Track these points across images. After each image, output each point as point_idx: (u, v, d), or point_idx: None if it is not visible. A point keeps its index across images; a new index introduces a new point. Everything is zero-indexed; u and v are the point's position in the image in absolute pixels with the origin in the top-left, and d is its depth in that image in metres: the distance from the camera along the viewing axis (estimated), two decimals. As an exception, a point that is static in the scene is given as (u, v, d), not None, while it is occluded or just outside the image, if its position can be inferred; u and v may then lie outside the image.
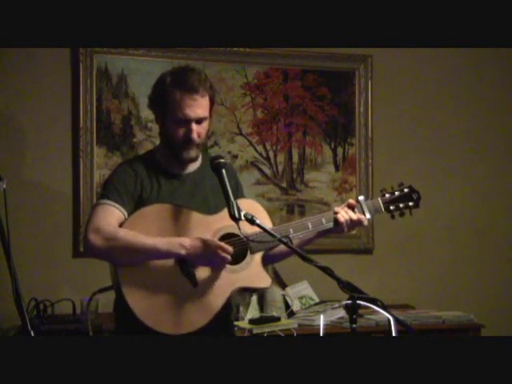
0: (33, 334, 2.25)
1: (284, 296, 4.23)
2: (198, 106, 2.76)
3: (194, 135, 2.76)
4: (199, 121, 2.77)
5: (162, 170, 2.84)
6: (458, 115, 4.78)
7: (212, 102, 2.83)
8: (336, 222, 2.86)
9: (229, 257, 2.71)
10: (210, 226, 2.77)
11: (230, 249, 2.71)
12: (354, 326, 2.30)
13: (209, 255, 2.69)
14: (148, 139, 4.19)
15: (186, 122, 2.76)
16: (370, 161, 4.59)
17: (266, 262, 2.87)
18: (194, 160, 2.84)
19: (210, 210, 2.81)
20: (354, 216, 2.86)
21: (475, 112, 4.81)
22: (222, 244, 2.70)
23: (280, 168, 4.47)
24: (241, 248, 2.79)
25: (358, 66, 4.58)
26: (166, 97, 2.78)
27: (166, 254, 2.69)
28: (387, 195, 2.97)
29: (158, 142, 2.97)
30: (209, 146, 4.22)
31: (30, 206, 4.03)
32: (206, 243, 2.69)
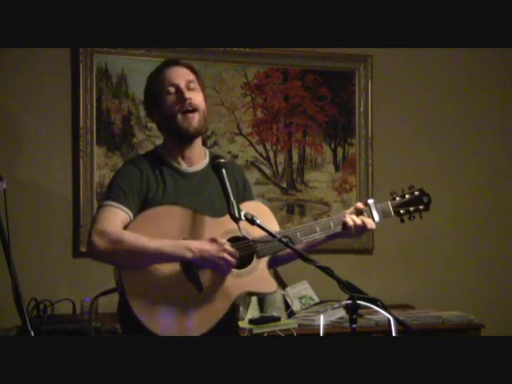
0: (33, 334, 2.25)
1: (284, 296, 4.23)
2: (182, 73, 2.84)
3: (187, 95, 2.79)
4: (188, 86, 2.82)
5: (167, 167, 2.82)
6: (457, 115, 4.78)
7: (196, 75, 2.88)
8: (344, 226, 2.84)
9: (234, 260, 2.69)
10: (216, 229, 2.74)
11: (236, 253, 2.70)
12: (353, 325, 2.30)
13: (215, 258, 2.67)
14: (148, 139, 4.19)
15: (176, 88, 2.81)
16: (370, 161, 4.59)
17: (271, 265, 2.85)
18: (198, 132, 2.83)
19: (216, 211, 2.79)
20: (363, 220, 2.83)
21: (475, 111, 4.80)
22: (228, 247, 2.69)
23: (280, 168, 4.47)
24: (247, 252, 2.77)
25: (358, 66, 4.58)
26: (155, 87, 2.84)
27: (172, 257, 2.67)
28: (397, 198, 2.93)
29: (157, 142, 2.97)
30: (209, 146, 4.21)
31: (29, 205, 4.03)
32: (212, 246, 2.67)
